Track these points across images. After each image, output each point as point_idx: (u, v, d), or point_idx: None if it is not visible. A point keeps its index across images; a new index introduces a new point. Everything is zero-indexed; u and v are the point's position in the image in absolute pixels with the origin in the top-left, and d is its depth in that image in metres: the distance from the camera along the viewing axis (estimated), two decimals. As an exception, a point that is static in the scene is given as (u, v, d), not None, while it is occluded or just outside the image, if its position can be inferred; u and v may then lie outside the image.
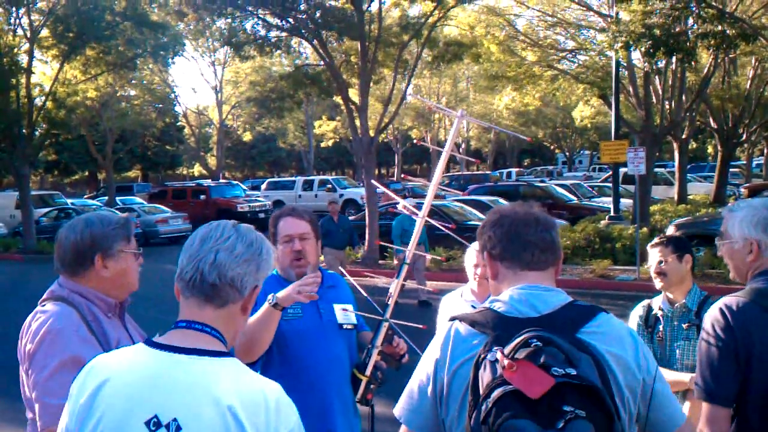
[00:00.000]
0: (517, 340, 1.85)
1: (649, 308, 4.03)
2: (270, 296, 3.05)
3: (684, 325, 3.85)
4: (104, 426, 1.82)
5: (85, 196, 45.55)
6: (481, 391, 1.82)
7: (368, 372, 2.99)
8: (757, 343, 2.59)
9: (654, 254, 3.94)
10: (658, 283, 3.94)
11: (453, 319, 2.10)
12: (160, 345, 1.89)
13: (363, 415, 3.50)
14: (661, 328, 3.92)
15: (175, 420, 1.78)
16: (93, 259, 2.72)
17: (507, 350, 1.84)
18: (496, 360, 1.83)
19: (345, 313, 3.47)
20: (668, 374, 3.64)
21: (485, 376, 1.83)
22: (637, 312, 4.06)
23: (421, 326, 3.05)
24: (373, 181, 17.38)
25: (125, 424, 1.80)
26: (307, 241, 3.47)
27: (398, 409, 2.13)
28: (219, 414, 1.77)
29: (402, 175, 53.23)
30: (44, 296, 2.79)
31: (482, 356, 1.88)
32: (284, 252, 3.45)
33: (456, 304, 4.12)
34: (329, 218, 13.78)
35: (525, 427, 1.71)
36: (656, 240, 4.00)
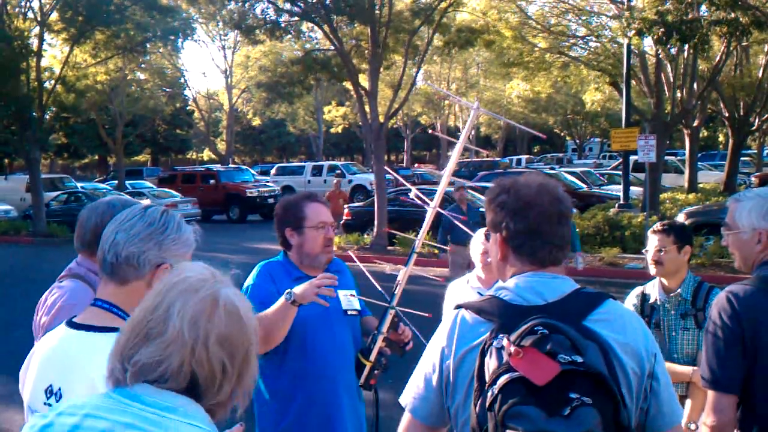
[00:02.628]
0: (523, 327, 1.84)
1: (644, 297, 4.02)
2: (287, 291, 3.04)
3: (681, 315, 3.85)
4: (28, 392, 2.08)
5: (95, 180, 45.67)
6: (486, 378, 1.81)
7: (373, 357, 3.00)
8: (764, 330, 2.58)
9: (654, 241, 3.92)
10: (652, 270, 3.93)
11: (459, 306, 2.08)
12: (71, 323, 2.10)
13: (366, 400, 3.52)
14: (657, 317, 3.92)
15: (59, 389, 1.98)
16: None
17: (513, 337, 1.82)
18: (502, 347, 1.82)
19: (349, 299, 3.47)
20: (669, 366, 3.64)
21: (491, 363, 1.82)
22: (631, 300, 4.05)
23: (426, 314, 3.06)
24: (385, 167, 17.37)
25: (36, 389, 2.04)
26: (333, 229, 3.50)
27: (404, 398, 2.13)
28: (87, 386, 1.89)
29: (416, 164, 53.14)
30: (62, 273, 2.90)
31: (488, 343, 1.87)
32: (316, 238, 3.43)
33: (462, 291, 4.12)
34: (456, 207, 11.22)
35: (531, 413, 1.70)
36: (658, 226, 3.97)
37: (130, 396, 1.55)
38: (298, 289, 3.03)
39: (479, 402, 1.82)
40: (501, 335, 1.85)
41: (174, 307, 1.56)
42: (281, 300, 3.06)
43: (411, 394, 2.11)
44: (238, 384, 1.61)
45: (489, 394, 1.77)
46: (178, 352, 1.54)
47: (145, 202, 2.49)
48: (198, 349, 1.54)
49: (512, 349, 1.79)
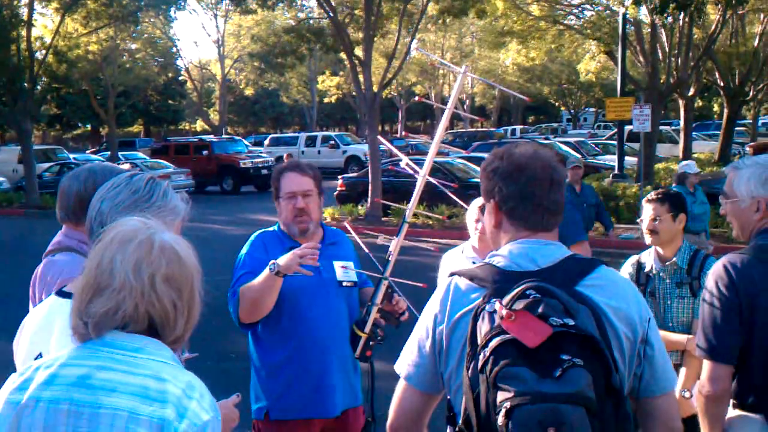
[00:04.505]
0: (515, 291, 1.85)
1: (639, 265, 4.03)
2: (271, 262, 3.04)
3: (676, 284, 3.86)
4: (20, 360, 2.13)
5: (88, 151, 45.41)
6: (479, 341, 1.82)
7: (367, 329, 3.00)
8: (761, 299, 2.57)
9: (648, 210, 3.94)
10: (648, 239, 3.95)
11: (452, 274, 2.09)
12: (60, 291, 2.18)
13: (363, 372, 3.52)
14: (653, 286, 3.92)
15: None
16: None
17: (505, 301, 1.83)
18: (495, 311, 1.83)
19: (345, 270, 3.46)
20: (664, 335, 3.65)
21: (483, 327, 1.83)
22: (627, 269, 4.07)
23: (421, 284, 3.05)
24: (379, 137, 17.30)
25: (27, 357, 2.09)
26: (310, 198, 3.44)
27: (398, 365, 2.14)
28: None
29: (403, 132, 52.93)
30: (51, 247, 2.82)
31: (481, 308, 1.88)
32: (287, 208, 3.43)
33: (457, 261, 4.12)
34: (568, 187, 8.75)
35: (522, 374, 1.71)
36: (653, 195, 3.99)
37: (100, 343, 1.69)
38: (281, 260, 3.03)
39: (471, 365, 1.83)
40: (493, 300, 1.86)
41: (116, 258, 1.69)
42: (266, 270, 3.06)
43: (405, 361, 2.12)
44: (188, 318, 1.77)
45: (481, 356, 1.79)
46: (130, 297, 1.67)
47: (125, 167, 2.44)
48: (146, 291, 1.68)
49: (504, 312, 1.79)
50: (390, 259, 2.94)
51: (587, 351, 1.75)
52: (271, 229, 3.57)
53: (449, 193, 3.38)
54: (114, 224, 1.79)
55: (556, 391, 1.68)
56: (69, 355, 1.71)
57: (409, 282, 3.05)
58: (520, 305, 1.81)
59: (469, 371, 1.84)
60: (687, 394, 3.67)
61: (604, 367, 1.77)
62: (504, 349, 1.75)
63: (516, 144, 2.18)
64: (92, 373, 1.65)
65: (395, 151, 3.82)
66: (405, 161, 3.28)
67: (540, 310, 1.78)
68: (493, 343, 1.77)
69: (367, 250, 3.29)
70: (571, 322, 1.77)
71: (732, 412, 2.69)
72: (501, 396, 1.72)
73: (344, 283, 3.46)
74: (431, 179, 3.01)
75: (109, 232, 1.75)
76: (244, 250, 3.44)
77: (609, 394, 1.78)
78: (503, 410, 1.70)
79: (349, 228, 3.66)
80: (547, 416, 1.67)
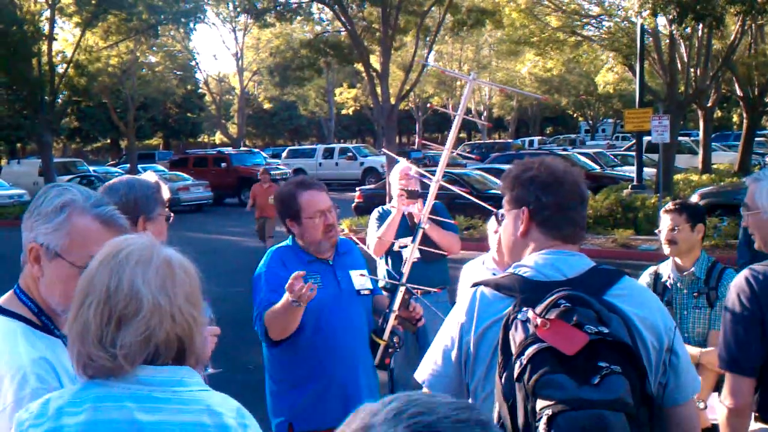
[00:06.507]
0: (548, 300, 1.86)
1: (657, 276, 4.03)
2: (291, 300, 3.03)
3: (694, 294, 3.84)
4: None
5: (108, 164, 45.81)
6: (513, 350, 1.82)
7: (386, 336, 2.99)
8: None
9: (666, 220, 3.93)
10: (666, 249, 3.93)
11: (476, 284, 2.09)
12: None
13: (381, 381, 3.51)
14: (670, 296, 3.90)
15: None
16: (136, 221, 2.75)
17: (538, 310, 1.84)
18: (528, 320, 1.83)
19: (361, 279, 3.47)
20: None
21: (517, 336, 1.83)
22: (644, 279, 4.06)
23: (436, 290, 3.04)
24: (385, 151, 17.34)
25: None
26: (333, 213, 3.47)
27: (421, 374, 2.13)
28: None
29: (417, 140, 53.04)
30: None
31: (512, 317, 1.88)
32: (316, 227, 3.41)
33: (478, 272, 4.10)
34: None
35: (561, 381, 1.71)
36: (671, 206, 3.98)
37: (134, 381, 1.53)
38: (291, 296, 3.01)
39: (504, 375, 1.83)
40: (525, 308, 1.86)
41: (137, 281, 1.54)
42: (286, 301, 3.06)
43: (428, 371, 2.11)
44: (201, 333, 1.66)
45: (517, 365, 1.78)
46: (161, 322, 1.54)
47: (154, 180, 2.43)
48: (175, 312, 1.56)
49: (538, 321, 1.80)
50: (405, 265, 2.94)
51: (623, 358, 1.77)
52: (284, 244, 3.58)
53: (471, 198, 3.39)
54: (114, 242, 1.65)
55: (598, 398, 1.69)
56: (96, 395, 1.53)
57: (425, 288, 3.04)
58: (553, 314, 1.82)
59: (503, 380, 1.84)
60: (702, 405, 3.64)
61: (639, 375, 1.79)
62: (541, 357, 1.75)
63: (546, 157, 2.21)
64: (135, 415, 1.50)
65: (402, 160, 3.83)
66: (415, 169, 3.29)
67: (574, 318, 1.80)
68: (530, 351, 1.77)
69: (378, 260, 3.29)
70: (606, 330, 1.78)
71: (754, 425, 2.66)
72: (541, 403, 1.71)
73: (362, 292, 3.46)
74: (448, 186, 3.01)
75: (114, 251, 1.60)
76: (262, 267, 3.44)
77: (644, 400, 1.79)
78: (545, 417, 1.69)
79: (355, 239, 3.67)
80: (591, 422, 1.67)
